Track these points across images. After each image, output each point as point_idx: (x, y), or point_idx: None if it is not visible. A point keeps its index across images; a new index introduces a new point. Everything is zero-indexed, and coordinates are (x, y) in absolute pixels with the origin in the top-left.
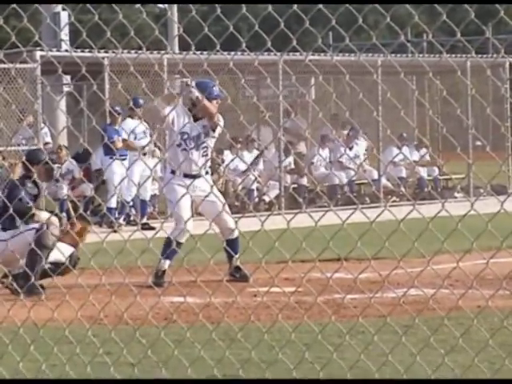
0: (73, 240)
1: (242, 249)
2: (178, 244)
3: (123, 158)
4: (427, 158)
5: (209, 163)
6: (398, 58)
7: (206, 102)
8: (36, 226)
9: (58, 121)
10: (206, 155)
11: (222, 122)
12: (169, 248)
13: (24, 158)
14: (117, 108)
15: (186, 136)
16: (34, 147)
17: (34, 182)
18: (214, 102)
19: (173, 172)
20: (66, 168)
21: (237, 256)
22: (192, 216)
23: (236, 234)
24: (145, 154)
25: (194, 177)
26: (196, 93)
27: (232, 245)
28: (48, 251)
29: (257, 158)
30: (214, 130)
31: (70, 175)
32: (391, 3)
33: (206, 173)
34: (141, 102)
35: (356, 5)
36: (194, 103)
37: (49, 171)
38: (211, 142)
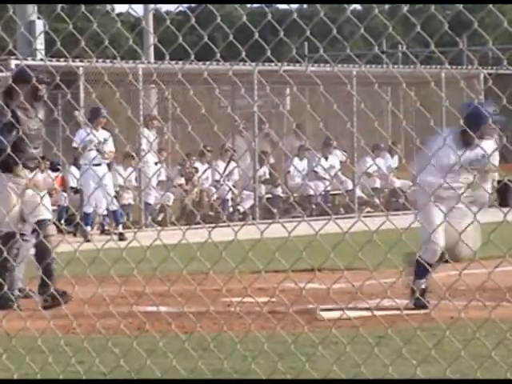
0: None
1: (216, 258)
2: (429, 265)
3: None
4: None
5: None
6: (372, 68)
7: None
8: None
9: None
10: None
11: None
12: (421, 268)
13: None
14: (102, 110)
15: None
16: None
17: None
18: None
19: None
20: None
21: None
22: None
23: None
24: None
25: None
26: None
27: None
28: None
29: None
30: None
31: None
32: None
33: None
34: (102, 111)
35: (331, 15)
36: None
37: (36, 91)
38: None
